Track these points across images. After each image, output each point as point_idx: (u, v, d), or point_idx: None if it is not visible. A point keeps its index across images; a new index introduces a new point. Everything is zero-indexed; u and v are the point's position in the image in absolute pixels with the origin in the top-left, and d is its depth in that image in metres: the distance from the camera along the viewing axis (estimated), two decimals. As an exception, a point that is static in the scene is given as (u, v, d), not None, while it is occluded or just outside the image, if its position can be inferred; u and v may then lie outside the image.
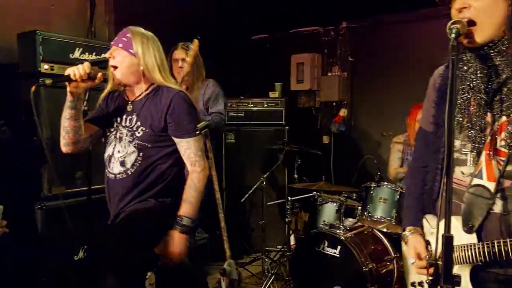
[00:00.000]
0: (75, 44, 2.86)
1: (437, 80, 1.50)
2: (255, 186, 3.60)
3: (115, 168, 1.90)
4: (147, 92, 1.94)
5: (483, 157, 1.33)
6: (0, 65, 2.90)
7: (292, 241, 3.65)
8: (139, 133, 1.89)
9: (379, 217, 3.07)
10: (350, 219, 3.26)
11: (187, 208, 1.87)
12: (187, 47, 2.99)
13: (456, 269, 1.35)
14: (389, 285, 2.88)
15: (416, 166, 1.61)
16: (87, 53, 2.90)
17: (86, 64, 1.76)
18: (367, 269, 2.75)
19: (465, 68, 1.36)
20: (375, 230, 3.07)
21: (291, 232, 3.58)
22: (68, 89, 1.80)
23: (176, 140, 1.90)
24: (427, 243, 1.51)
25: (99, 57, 2.86)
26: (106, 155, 1.96)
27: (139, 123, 1.90)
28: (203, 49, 3.10)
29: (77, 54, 2.87)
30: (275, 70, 4.73)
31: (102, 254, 1.91)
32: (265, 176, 3.57)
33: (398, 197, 3.05)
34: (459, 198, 1.38)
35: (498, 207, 1.31)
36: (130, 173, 1.87)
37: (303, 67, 4.55)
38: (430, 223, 1.52)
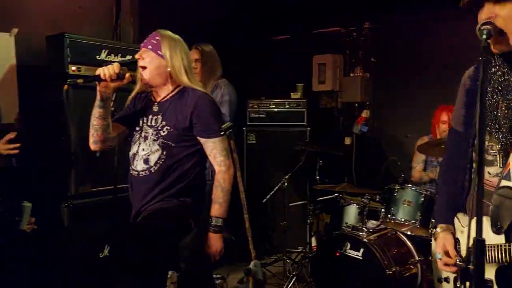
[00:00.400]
0: (101, 46, 2.92)
1: (467, 82, 1.53)
2: (276, 187, 3.59)
3: (138, 166, 1.95)
4: (173, 93, 2.00)
5: (511, 159, 1.35)
6: (29, 67, 2.98)
7: (313, 243, 3.64)
8: (164, 132, 1.94)
9: (403, 219, 3.03)
10: (373, 221, 3.22)
11: (215, 209, 1.93)
12: (200, 48, 2.99)
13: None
14: (413, 289, 2.84)
15: (447, 165, 1.64)
16: (112, 55, 2.96)
17: (116, 64, 1.83)
18: (391, 272, 2.72)
19: (494, 70, 1.38)
20: (398, 232, 3.02)
21: (312, 233, 3.57)
22: (98, 88, 1.86)
23: (202, 140, 1.95)
24: (457, 240, 1.54)
25: (126, 58, 2.92)
26: (131, 153, 2.02)
27: (164, 122, 1.95)
28: (225, 50, 3.11)
29: (103, 56, 2.93)
30: (297, 71, 4.72)
31: (121, 253, 1.95)
32: (286, 177, 3.56)
33: (422, 199, 3.00)
34: (487, 198, 1.39)
35: None
36: (153, 171, 1.92)
37: (324, 68, 4.52)
38: (460, 221, 1.54)
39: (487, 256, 1.36)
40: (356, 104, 4.55)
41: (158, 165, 1.92)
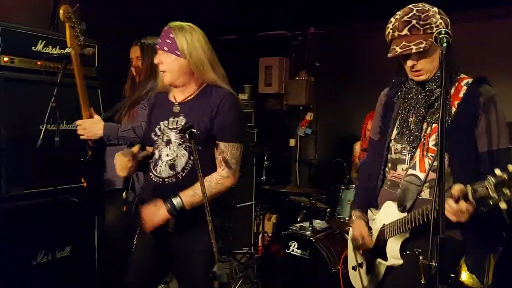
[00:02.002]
0: (38, 36, 2.69)
1: (383, 98, 1.87)
2: (224, 188, 3.55)
3: (163, 172, 1.84)
4: (197, 93, 1.87)
5: (417, 154, 1.66)
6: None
7: (260, 243, 3.64)
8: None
9: (347, 219, 3.13)
10: (319, 221, 3.30)
11: (188, 195, 1.77)
12: (140, 43, 2.77)
13: (390, 241, 1.68)
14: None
15: (365, 168, 1.95)
16: (50, 46, 2.76)
17: None
18: (336, 270, 2.79)
19: (408, 91, 1.71)
20: (344, 232, 3.11)
21: (259, 234, 3.57)
22: None
23: (217, 140, 1.84)
24: (370, 228, 1.83)
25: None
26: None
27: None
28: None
29: (40, 47, 2.71)
30: (244, 72, 4.70)
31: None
32: (235, 178, 3.53)
33: (366, 199, 3.11)
34: (396, 189, 1.70)
35: (425, 194, 1.63)
36: (180, 177, 1.81)
37: (271, 70, 4.56)
38: (373, 212, 1.85)
39: (393, 230, 1.65)
40: (301, 107, 4.64)
41: (186, 170, 1.81)
